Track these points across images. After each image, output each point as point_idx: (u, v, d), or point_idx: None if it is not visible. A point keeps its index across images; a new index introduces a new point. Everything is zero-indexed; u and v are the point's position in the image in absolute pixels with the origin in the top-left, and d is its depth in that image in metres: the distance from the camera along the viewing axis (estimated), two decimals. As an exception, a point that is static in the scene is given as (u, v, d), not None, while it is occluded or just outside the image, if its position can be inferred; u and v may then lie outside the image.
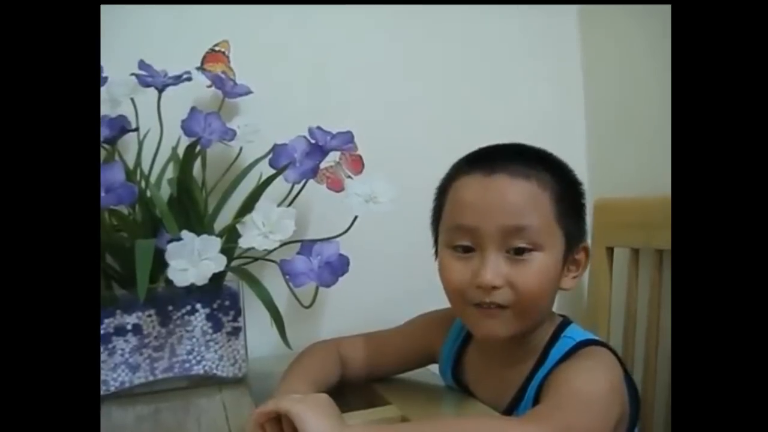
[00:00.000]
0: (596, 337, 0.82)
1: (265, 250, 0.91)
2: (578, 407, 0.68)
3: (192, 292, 0.95)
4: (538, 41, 1.31)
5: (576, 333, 0.81)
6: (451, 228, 0.80)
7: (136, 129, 1.02)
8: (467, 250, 0.78)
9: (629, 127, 1.21)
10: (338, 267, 0.92)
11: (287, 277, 0.92)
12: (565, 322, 0.84)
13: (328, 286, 0.92)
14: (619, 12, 1.21)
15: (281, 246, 0.92)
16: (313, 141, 1.00)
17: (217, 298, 0.98)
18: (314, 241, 0.95)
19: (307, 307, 0.98)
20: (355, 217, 0.96)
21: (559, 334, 0.81)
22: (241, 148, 1.07)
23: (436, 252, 0.85)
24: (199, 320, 0.97)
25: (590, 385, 0.71)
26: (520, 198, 0.76)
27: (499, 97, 1.28)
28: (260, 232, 0.91)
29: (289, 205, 1.00)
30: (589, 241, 1.16)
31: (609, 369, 0.76)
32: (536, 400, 0.77)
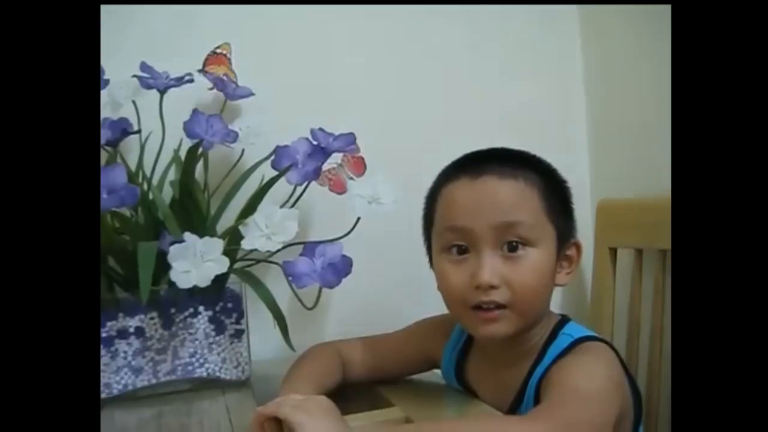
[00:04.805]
0: (594, 334, 0.81)
1: (268, 251, 0.91)
2: (579, 403, 0.68)
3: (194, 295, 0.95)
4: (539, 42, 1.30)
5: (574, 330, 0.81)
6: (443, 231, 0.80)
7: (138, 131, 1.02)
8: (462, 251, 0.78)
9: (631, 127, 1.20)
10: (341, 268, 0.92)
11: (290, 278, 0.92)
12: (564, 320, 0.84)
13: (331, 287, 0.92)
14: (620, 12, 1.21)
15: (284, 248, 0.92)
16: (315, 142, 1.00)
17: (219, 300, 0.98)
18: (317, 243, 0.94)
19: (310, 309, 0.98)
20: (358, 219, 0.96)
21: (558, 332, 0.81)
22: (243, 150, 1.07)
23: (431, 260, 0.85)
24: (202, 323, 0.97)
25: (590, 381, 0.71)
26: (510, 195, 0.78)
27: (500, 98, 1.27)
28: (263, 233, 0.91)
29: (292, 206, 1.00)
30: (592, 242, 1.17)
31: (608, 364, 0.76)
32: (537, 398, 0.77)
